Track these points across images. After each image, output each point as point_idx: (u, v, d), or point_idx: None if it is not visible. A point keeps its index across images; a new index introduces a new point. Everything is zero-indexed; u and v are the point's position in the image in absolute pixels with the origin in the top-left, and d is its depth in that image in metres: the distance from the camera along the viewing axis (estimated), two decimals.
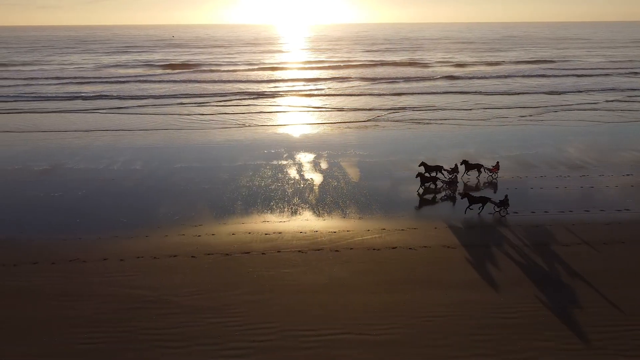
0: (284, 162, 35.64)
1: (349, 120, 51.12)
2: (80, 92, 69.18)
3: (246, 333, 16.05)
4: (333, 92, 70.17)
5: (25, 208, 27.25)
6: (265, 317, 16.87)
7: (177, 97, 65.75)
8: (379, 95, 67.77)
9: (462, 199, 26.28)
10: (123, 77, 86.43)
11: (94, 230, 24.08)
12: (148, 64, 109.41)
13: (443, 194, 29.19)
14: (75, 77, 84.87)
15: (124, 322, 16.69)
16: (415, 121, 50.69)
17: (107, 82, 79.66)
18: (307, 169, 34.14)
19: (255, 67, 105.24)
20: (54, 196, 29.16)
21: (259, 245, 22.32)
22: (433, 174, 30.19)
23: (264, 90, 72.37)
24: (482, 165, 31.44)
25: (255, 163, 35.42)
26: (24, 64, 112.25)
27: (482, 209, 25.90)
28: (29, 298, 18.15)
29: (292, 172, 33.25)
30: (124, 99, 64.49)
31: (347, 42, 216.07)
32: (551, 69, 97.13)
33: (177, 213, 26.19)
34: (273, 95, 68.31)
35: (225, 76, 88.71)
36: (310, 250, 21.71)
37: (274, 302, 17.74)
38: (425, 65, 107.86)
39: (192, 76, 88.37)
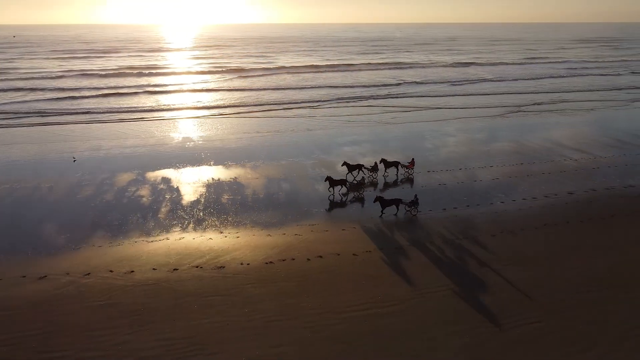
0: None
1: None
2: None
3: None
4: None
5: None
6: None
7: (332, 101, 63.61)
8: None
9: (374, 202, 26.64)
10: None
11: None
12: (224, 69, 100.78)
13: (351, 195, 29.68)
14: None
15: None
16: None
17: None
18: None
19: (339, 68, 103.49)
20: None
21: None
22: (353, 173, 31.77)
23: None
24: (399, 163, 33.09)
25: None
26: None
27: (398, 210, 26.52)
28: None
29: None
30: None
31: (408, 43, 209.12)
32: None
33: None
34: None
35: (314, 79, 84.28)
36: None
37: None
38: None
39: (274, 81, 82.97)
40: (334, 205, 28.59)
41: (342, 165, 32.37)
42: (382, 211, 26.53)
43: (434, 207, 27.90)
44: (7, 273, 20.28)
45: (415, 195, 26.97)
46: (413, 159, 34.09)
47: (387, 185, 32.21)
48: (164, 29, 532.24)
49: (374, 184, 32.20)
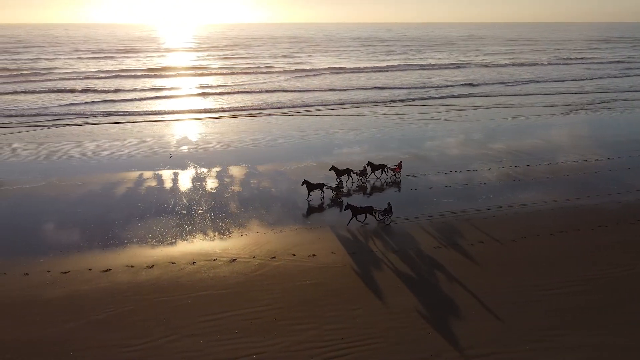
0: None
1: None
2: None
3: None
4: None
5: None
6: None
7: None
8: None
9: (345, 210, 25.44)
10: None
11: None
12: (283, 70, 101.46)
13: (329, 200, 29.03)
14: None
15: None
16: None
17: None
18: None
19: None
20: None
21: None
22: (328, 181, 30.47)
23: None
24: (386, 166, 32.88)
25: None
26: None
27: (367, 217, 25.28)
28: None
29: None
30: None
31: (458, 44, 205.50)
32: None
33: None
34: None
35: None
36: None
37: None
38: None
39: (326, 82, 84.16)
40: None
41: (330, 170, 31.83)
42: (350, 220, 25.02)
43: (548, 198, 29.17)
44: (201, 257, 21.58)
45: (389, 203, 25.68)
46: (400, 161, 33.77)
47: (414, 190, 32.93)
48: (166, 29, 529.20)
49: (363, 189, 31.60)
